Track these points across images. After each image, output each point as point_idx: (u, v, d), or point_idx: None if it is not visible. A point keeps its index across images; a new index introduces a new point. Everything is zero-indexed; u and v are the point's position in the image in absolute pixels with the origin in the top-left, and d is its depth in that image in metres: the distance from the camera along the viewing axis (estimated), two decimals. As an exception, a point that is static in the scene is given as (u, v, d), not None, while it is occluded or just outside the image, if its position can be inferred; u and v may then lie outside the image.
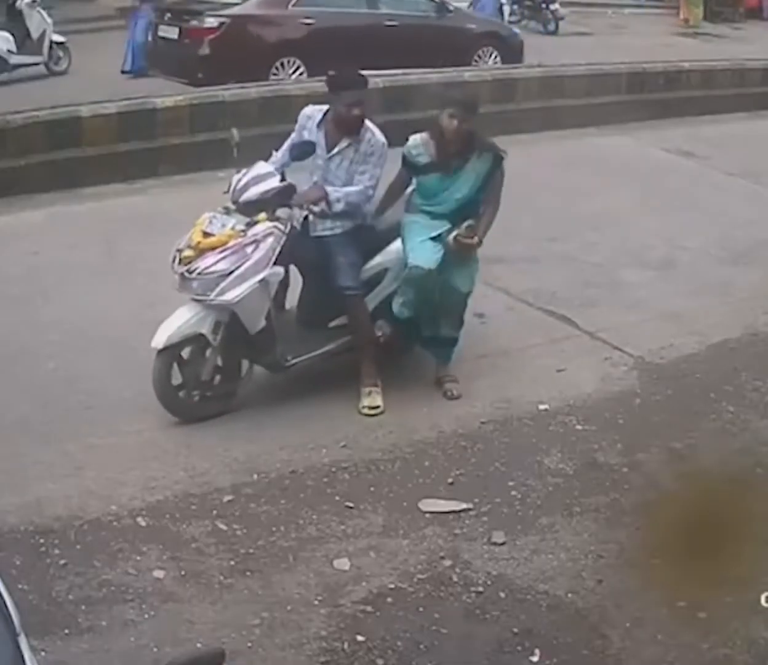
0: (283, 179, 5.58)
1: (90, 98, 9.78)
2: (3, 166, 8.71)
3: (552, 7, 20.69)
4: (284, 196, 5.50)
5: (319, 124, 5.76)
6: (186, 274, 5.34)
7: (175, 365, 5.42)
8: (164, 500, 4.82)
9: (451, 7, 14.42)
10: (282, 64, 12.48)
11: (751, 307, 7.24)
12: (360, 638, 4.03)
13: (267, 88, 10.44)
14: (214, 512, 4.76)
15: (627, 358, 6.42)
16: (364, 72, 5.87)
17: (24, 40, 14.32)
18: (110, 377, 5.79)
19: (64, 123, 9.19)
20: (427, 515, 4.82)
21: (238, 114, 9.45)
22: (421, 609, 4.21)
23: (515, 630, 4.11)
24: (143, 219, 8.12)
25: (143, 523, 4.65)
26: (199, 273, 5.32)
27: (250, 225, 5.41)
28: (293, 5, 12.96)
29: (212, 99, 10.10)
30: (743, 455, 5.42)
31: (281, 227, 5.47)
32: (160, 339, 5.31)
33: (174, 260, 5.39)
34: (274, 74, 12.37)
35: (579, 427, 5.62)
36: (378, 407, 5.64)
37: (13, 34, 14.14)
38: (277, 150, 5.78)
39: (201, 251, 5.35)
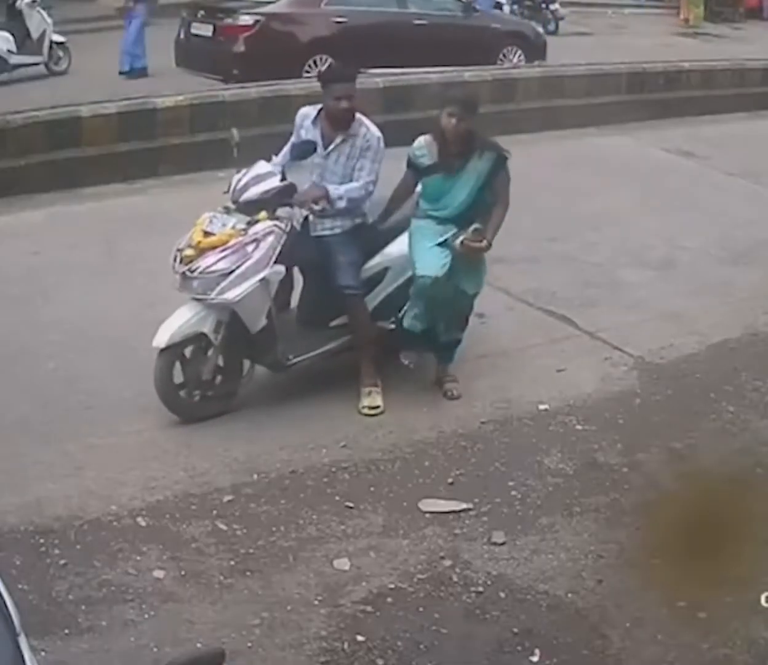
0: (283, 179, 5.58)
1: (90, 98, 9.78)
2: (3, 166, 8.71)
3: (552, 7, 20.65)
4: (285, 195, 5.51)
5: (314, 122, 5.76)
6: (187, 273, 5.34)
7: (177, 365, 5.42)
8: (164, 500, 4.82)
9: (477, 7, 14.52)
10: (315, 62, 12.41)
11: (751, 307, 7.25)
12: (360, 638, 4.03)
13: (267, 88, 10.43)
14: (214, 512, 4.76)
15: (627, 358, 6.42)
16: (361, 67, 5.88)
17: (24, 40, 14.28)
18: (110, 377, 5.79)
19: (64, 123, 9.19)
20: (427, 515, 4.82)
21: (238, 114, 9.46)
22: (421, 609, 4.21)
23: (515, 630, 4.11)
24: (143, 219, 8.11)
25: (143, 523, 4.65)
26: (199, 272, 5.32)
27: (250, 224, 5.41)
28: (325, 4, 12.99)
29: (212, 99, 10.11)
30: (743, 455, 5.43)
31: (282, 225, 5.47)
32: (162, 339, 5.31)
33: (175, 260, 5.39)
34: (307, 72, 12.30)
35: (579, 427, 5.62)
36: (378, 407, 5.64)
37: (13, 34, 14.09)
38: (276, 155, 5.77)
39: (201, 251, 5.35)
